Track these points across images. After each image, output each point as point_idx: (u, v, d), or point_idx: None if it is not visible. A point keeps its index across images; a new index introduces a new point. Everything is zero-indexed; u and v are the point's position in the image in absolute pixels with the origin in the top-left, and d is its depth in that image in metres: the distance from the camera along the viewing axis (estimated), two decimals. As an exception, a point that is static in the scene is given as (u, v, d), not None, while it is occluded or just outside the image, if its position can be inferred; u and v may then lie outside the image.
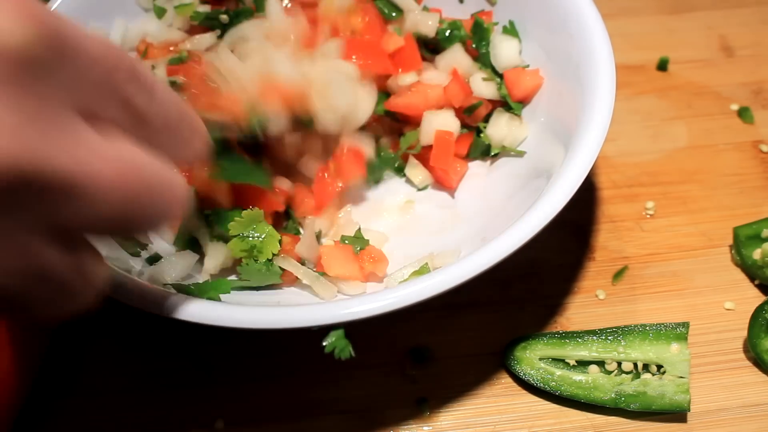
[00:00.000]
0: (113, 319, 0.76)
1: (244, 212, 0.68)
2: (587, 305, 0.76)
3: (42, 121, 0.36)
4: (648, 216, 0.82)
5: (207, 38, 0.79)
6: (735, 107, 0.90)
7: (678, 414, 0.69)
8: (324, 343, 0.60)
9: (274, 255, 0.69)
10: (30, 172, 0.35)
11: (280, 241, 0.69)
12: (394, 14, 0.80)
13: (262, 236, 0.68)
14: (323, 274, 0.69)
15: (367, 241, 0.72)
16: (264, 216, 0.69)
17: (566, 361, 0.70)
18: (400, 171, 0.80)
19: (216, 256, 0.70)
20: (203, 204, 0.71)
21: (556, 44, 0.75)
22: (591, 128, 0.65)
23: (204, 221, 0.71)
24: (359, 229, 0.73)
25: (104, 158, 0.38)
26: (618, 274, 0.78)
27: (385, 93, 0.79)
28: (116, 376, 0.73)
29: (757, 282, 0.77)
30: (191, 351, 0.74)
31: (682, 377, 0.68)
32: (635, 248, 0.80)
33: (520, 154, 0.77)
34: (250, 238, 0.68)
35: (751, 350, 0.71)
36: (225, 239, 0.69)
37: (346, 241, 0.72)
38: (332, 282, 0.69)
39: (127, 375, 0.73)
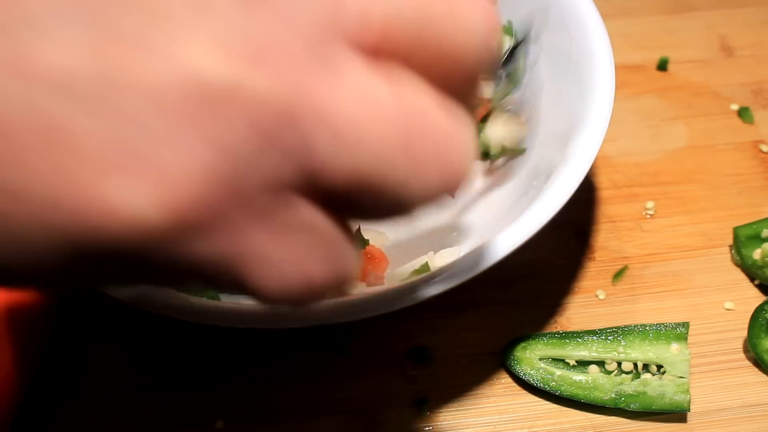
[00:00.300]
0: (113, 319, 0.76)
1: None
2: (587, 305, 0.76)
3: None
4: (648, 216, 0.82)
5: None
6: (735, 107, 0.90)
7: (678, 414, 0.69)
8: (323, 342, 0.60)
9: None
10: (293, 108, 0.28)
11: None
12: None
13: None
14: None
15: (367, 241, 0.72)
16: None
17: (566, 361, 0.70)
18: None
19: None
20: None
21: (555, 44, 0.75)
22: (590, 128, 0.65)
23: None
24: (359, 228, 0.73)
25: (369, 98, 0.30)
26: (618, 274, 0.78)
27: None
28: (116, 376, 0.73)
29: (757, 282, 0.77)
30: (191, 351, 0.74)
31: (682, 377, 0.68)
32: (635, 248, 0.80)
33: (521, 151, 0.76)
34: None
35: (751, 350, 0.71)
36: None
37: None
38: None
39: (127, 375, 0.73)
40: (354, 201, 0.32)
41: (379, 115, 0.29)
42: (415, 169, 0.30)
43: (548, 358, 0.71)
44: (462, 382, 0.72)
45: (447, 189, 0.32)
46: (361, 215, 0.34)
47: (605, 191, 0.84)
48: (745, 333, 0.73)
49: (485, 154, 0.79)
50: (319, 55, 0.29)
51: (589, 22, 0.71)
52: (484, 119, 0.79)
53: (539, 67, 0.77)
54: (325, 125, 0.28)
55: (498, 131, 0.77)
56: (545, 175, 0.68)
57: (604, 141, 0.66)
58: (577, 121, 0.67)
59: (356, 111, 0.29)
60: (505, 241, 0.60)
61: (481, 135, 0.79)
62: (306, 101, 0.28)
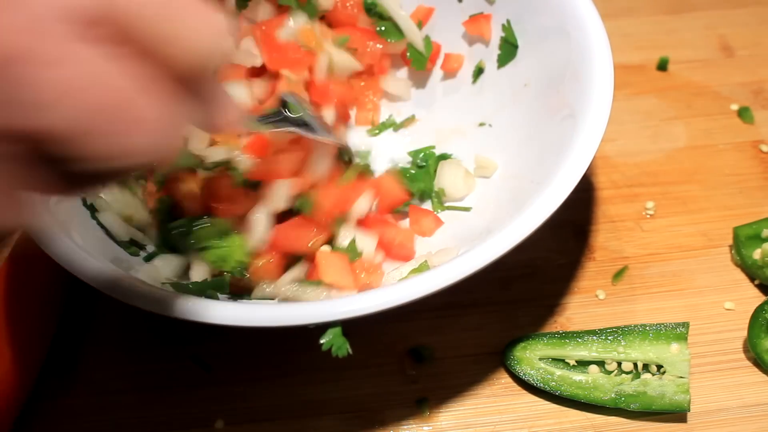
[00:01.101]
0: (113, 320, 0.76)
1: (209, 221, 0.68)
2: (587, 305, 0.76)
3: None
4: (648, 216, 0.82)
5: None
6: (735, 107, 0.90)
7: (678, 414, 0.69)
8: (321, 341, 0.60)
9: (243, 263, 0.68)
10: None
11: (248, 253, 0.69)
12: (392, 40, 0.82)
13: (229, 245, 0.68)
14: (318, 282, 0.69)
15: (360, 253, 0.72)
16: (233, 223, 0.68)
17: (566, 361, 0.70)
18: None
19: (201, 265, 0.69)
20: (174, 214, 0.71)
21: (555, 44, 0.75)
22: (588, 128, 0.65)
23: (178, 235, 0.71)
24: (353, 240, 0.72)
25: (65, 62, 0.37)
26: (618, 274, 0.78)
27: None
28: (116, 376, 0.73)
29: (757, 282, 0.77)
30: (191, 351, 0.74)
31: (682, 377, 0.68)
32: (635, 248, 0.80)
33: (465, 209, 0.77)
34: (220, 249, 0.68)
35: (751, 350, 0.71)
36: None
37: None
38: (325, 290, 0.69)
39: (127, 375, 0.73)
40: (54, 153, 0.38)
41: (82, 85, 0.37)
42: (104, 133, 0.38)
43: (548, 358, 0.71)
44: (462, 382, 0.72)
45: (128, 156, 0.40)
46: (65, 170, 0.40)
47: (605, 191, 0.84)
48: (745, 333, 0.73)
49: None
50: (42, 28, 0.36)
51: (587, 21, 0.71)
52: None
53: (537, 67, 0.77)
54: (30, 84, 0.36)
55: (448, 179, 0.78)
56: (545, 175, 0.68)
57: (604, 141, 0.65)
58: (575, 122, 0.67)
59: (61, 78, 0.37)
60: (503, 239, 0.60)
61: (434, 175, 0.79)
62: (17, 58, 0.36)
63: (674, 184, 0.84)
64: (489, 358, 0.73)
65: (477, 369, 0.72)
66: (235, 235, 0.68)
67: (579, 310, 0.76)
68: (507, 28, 0.80)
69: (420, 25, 0.84)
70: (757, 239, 0.76)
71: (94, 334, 0.76)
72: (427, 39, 0.84)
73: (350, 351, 0.60)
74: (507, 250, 0.60)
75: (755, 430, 0.68)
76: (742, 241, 0.77)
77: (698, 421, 0.68)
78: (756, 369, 0.72)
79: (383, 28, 0.82)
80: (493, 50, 0.82)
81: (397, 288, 0.59)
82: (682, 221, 0.81)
